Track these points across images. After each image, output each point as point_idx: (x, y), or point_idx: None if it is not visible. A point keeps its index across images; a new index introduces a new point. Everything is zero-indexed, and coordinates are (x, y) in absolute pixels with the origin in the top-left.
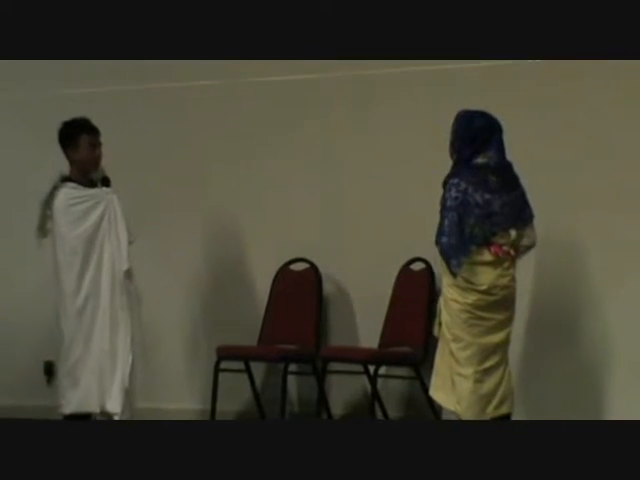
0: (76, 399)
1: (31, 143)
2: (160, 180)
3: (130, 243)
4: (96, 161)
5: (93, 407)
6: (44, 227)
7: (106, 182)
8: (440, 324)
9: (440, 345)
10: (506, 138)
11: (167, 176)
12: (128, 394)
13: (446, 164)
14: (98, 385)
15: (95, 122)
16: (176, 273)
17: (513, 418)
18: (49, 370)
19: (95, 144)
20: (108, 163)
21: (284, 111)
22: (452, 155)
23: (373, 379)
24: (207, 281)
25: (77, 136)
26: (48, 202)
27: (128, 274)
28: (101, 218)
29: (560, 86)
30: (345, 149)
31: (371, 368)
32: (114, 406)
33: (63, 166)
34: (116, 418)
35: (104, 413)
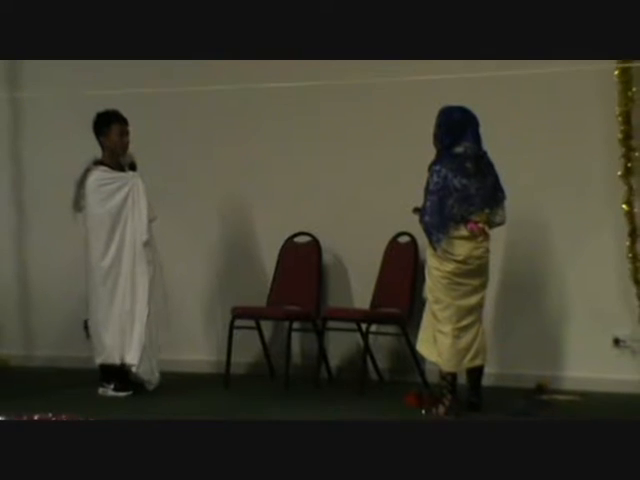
0: (102, 352)
1: (81, 134)
2: (182, 163)
3: (151, 220)
4: (124, 147)
5: (115, 359)
6: (78, 203)
7: (133, 167)
8: None
9: (426, 306)
10: (485, 131)
11: (188, 159)
12: (146, 349)
13: (429, 153)
14: (119, 341)
15: (130, 117)
16: (196, 244)
17: (486, 369)
18: (88, 326)
19: (124, 132)
20: (139, 148)
21: (292, 107)
22: (435, 144)
23: (365, 336)
24: (223, 251)
25: (109, 125)
26: (82, 182)
27: (147, 244)
28: (126, 197)
29: (530, 84)
30: (343, 140)
31: (364, 326)
32: (132, 358)
33: (98, 152)
34: (134, 370)
35: (124, 364)
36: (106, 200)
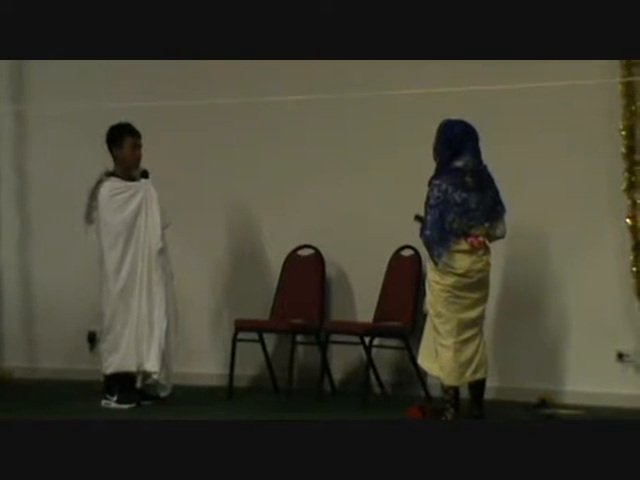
0: (116, 361)
1: (84, 147)
2: (192, 176)
3: (165, 226)
4: (137, 160)
5: (132, 367)
6: (90, 215)
7: (145, 174)
8: None
9: (427, 320)
10: (488, 145)
11: (198, 173)
12: (164, 356)
13: (430, 168)
14: (136, 348)
15: (145, 130)
16: (202, 256)
17: (487, 383)
18: (92, 339)
19: (137, 145)
20: (153, 161)
21: (296, 121)
22: (435, 158)
23: (368, 349)
24: (228, 264)
25: (122, 137)
26: (94, 194)
27: (161, 252)
28: (139, 205)
29: (533, 97)
30: (347, 156)
31: (367, 339)
32: (152, 366)
33: (109, 164)
34: (154, 377)
35: (142, 372)
36: (120, 209)
